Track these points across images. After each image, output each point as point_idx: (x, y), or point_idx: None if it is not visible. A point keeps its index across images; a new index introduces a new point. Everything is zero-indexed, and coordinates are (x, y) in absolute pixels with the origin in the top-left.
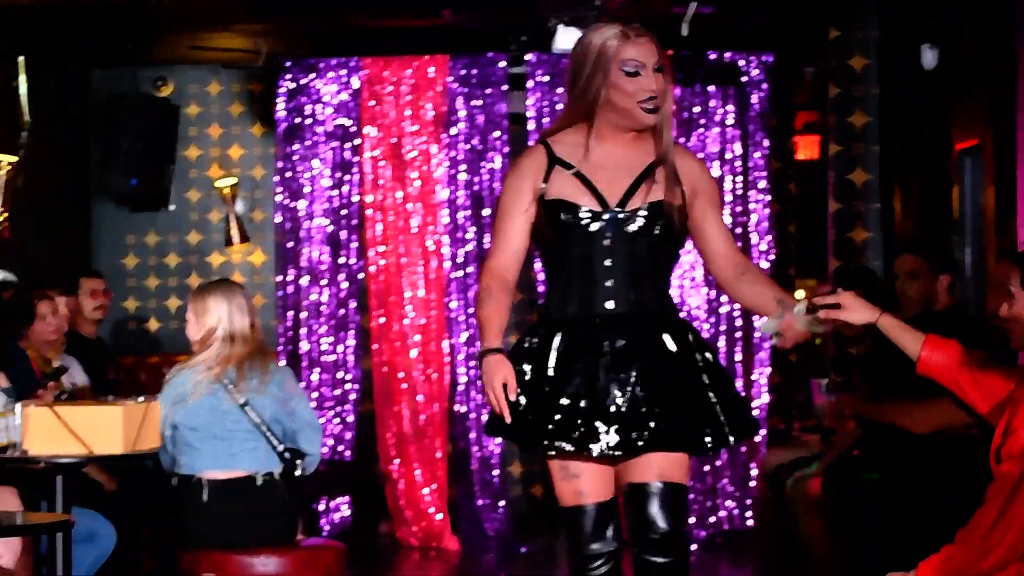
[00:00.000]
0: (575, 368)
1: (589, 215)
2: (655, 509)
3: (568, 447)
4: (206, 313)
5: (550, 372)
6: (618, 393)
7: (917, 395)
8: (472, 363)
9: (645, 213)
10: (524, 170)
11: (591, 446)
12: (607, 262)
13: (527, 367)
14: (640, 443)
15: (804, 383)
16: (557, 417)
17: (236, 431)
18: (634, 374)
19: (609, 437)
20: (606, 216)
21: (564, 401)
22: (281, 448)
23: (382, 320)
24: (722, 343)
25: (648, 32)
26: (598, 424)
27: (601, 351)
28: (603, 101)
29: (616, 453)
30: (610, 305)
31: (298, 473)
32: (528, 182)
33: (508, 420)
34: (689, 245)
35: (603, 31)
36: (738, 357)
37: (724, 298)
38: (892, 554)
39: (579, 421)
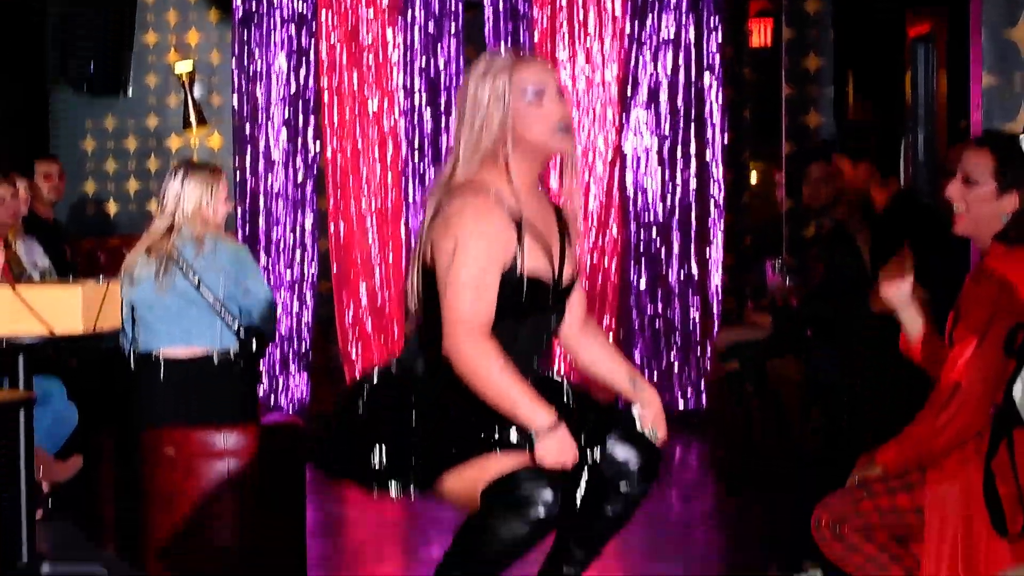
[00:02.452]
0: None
1: (549, 294)
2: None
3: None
4: (165, 194)
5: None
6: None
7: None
8: None
9: (571, 282)
10: (499, 234)
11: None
12: (544, 343)
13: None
14: None
15: (757, 264)
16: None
17: (191, 309)
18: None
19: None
20: (553, 295)
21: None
22: (236, 326)
23: (340, 202)
24: (676, 224)
25: (537, 56)
26: None
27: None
28: (511, 137)
29: None
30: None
31: (255, 350)
32: (504, 236)
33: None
34: None
35: (491, 60)
36: (691, 240)
37: (679, 179)
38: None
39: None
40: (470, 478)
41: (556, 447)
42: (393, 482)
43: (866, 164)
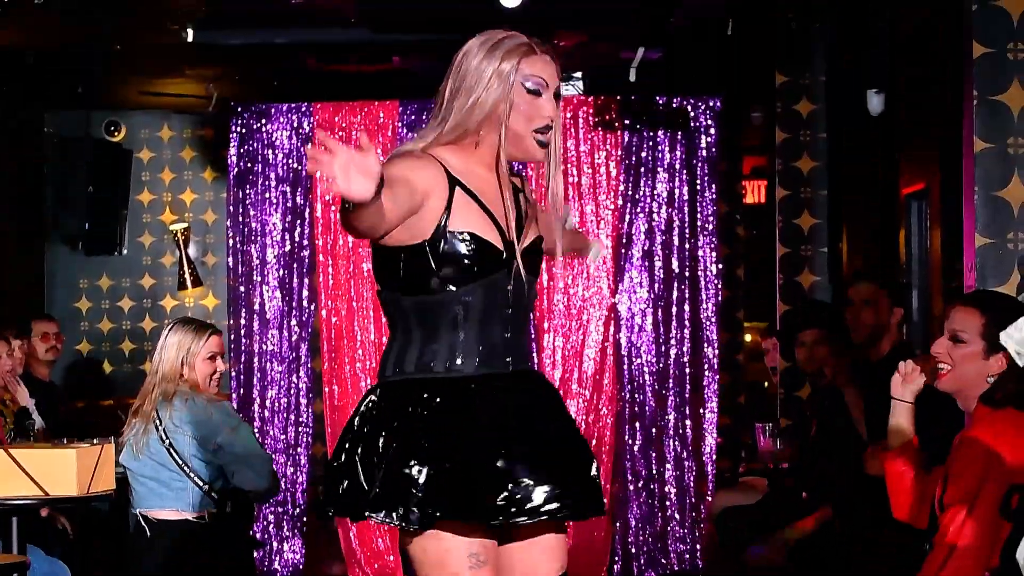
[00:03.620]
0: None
1: (495, 257)
2: None
3: None
4: (156, 351)
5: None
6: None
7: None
8: None
9: (533, 253)
10: (423, 175)
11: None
12: (510, 311)
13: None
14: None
15: (751, 426)
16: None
17: (164, 471)
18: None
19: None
20: (506, 258)
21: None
22: (206, 488)
23: (334, 363)
24: (671, 384)
25: (552, 48)
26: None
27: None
28: (494, 120)
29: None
30: (509, 360)
31: (231, 512)
32: (421, 190)
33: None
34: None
35: (505, 38)
36: (685, 401)
37: (673, 339)
38: None
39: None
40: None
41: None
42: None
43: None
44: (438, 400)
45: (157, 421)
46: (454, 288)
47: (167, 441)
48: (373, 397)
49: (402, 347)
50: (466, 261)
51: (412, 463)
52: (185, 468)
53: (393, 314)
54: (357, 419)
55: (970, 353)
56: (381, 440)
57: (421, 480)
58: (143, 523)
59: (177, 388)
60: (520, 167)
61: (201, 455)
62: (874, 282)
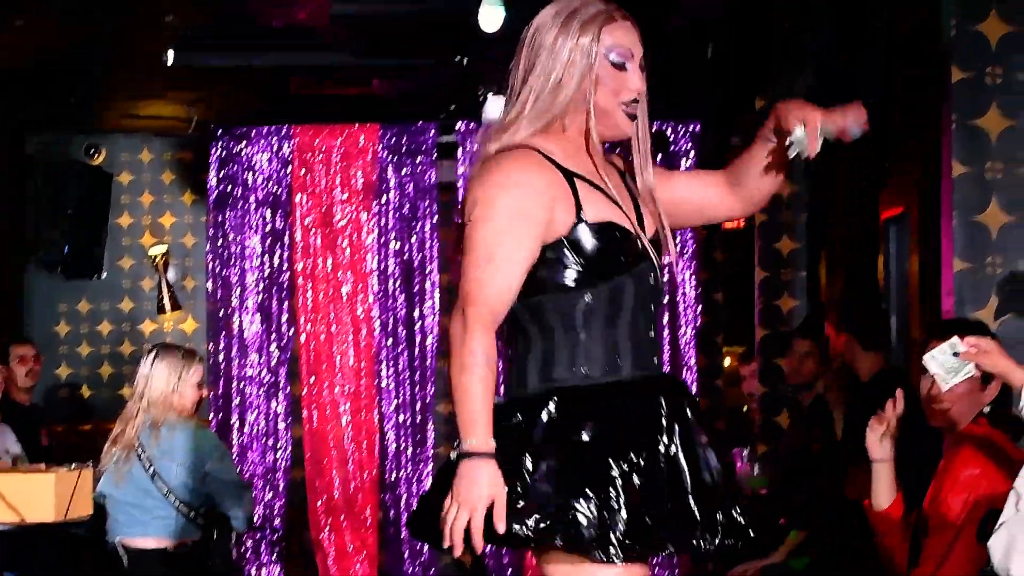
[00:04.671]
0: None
1: (636, 247)
2: None
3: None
4: (137, 377)
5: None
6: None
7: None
8: (403, 431)
9: (656, 242)
10: (536, 182)
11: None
12: (653, 307)
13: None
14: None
15: (729, 451)
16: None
17: (147, 499)
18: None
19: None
20: (643, 249)
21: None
22: (193, 515)
23: (313, 388)
24: None
25: (630, 15)
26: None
27: (668, 431)
28: (579, 99)
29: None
30: (656, 363)
31: (216, 539)
32: (545, 199)
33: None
34: None
35: (580, 6)
36: None
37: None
38: None
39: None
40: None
41: (472, 476)
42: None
43: (849, 336)
44: (609, 412)
45: (140, 449)
46: (604, 283)
47: (151, 468)
48: (550, 409)
49: (545, 354)
50: (613, 253)
51: (610, 491)
52: (170, 496)
53: (524, 321)
54: (539, 431)
55: (970, 388)
56: (560, 460)
57: (622, 513)
58: (121, 552)
59: (165, 415)
60: (608, 147)
61: (190, 482)
62: (809, 338)
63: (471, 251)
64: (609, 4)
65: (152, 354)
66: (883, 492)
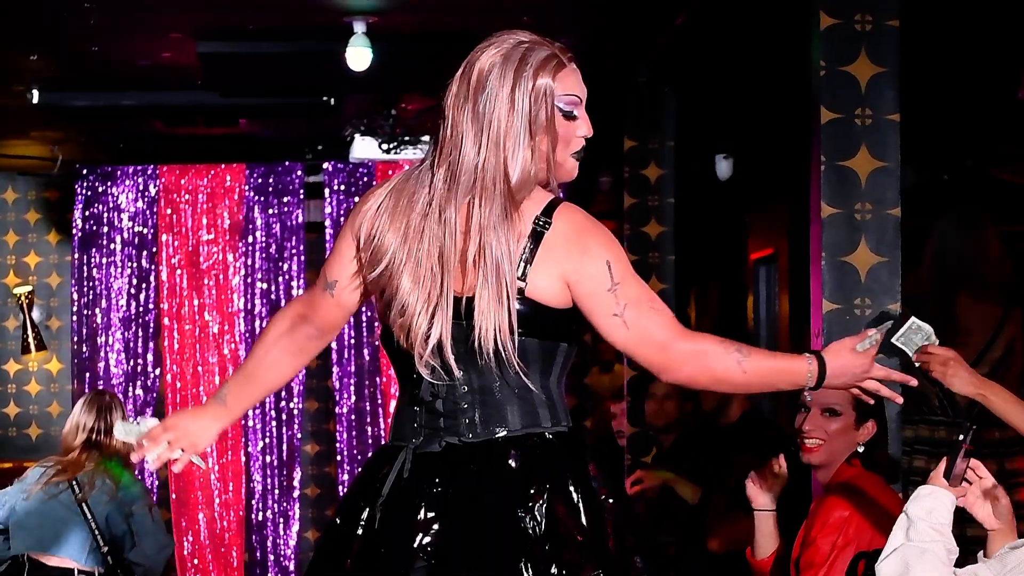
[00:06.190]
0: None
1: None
2: None
3: None
4: (72, 418)
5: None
6: None
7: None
8: (269, 472)
9: None
10: None
11: None
12: None
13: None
14: None
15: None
16: None
17: (67, 520)
18: None
19: None
20: None
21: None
22: (106, 550)
23: None
24: None
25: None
26: None
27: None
28: (543, 155)
29: None
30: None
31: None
32: None
33: None
34: None
35: (528, 51)
36: None
37: None
38: None
39: None
40: None
41: (842, 365)
42: None
43: None
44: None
45: (76, 483)
46: (571, 343)
47: (80, 494)
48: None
49: (559, 397)
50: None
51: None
52: (92, 523)
53: (537, 364)
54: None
55: (844, 426)
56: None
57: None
58: (22, 565)
59: (113, 454)
60: None
61: (118, 513)
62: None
63: (651, 298)
64: (554, 44)
65: (88, 400)
66: (765, 542)
